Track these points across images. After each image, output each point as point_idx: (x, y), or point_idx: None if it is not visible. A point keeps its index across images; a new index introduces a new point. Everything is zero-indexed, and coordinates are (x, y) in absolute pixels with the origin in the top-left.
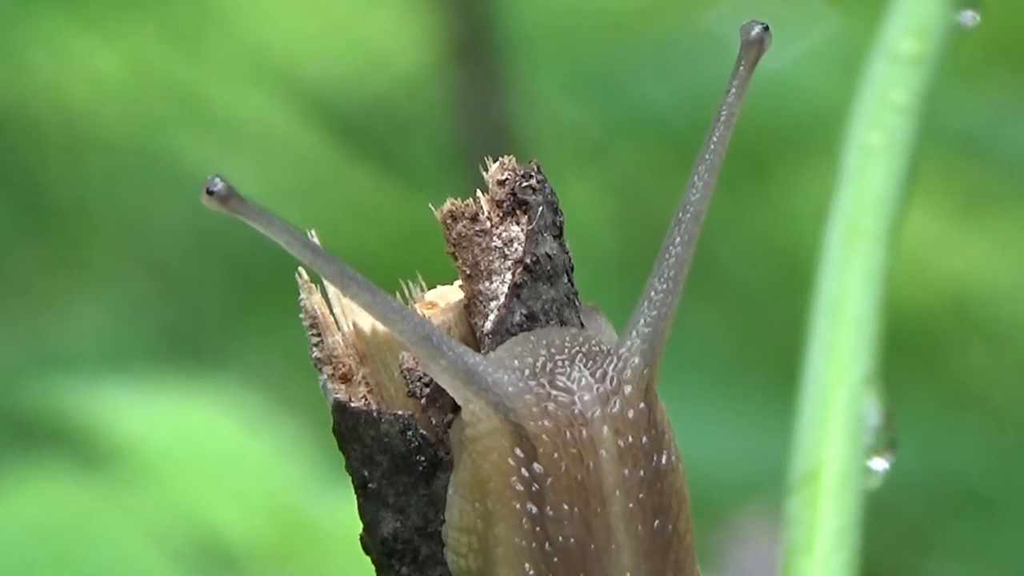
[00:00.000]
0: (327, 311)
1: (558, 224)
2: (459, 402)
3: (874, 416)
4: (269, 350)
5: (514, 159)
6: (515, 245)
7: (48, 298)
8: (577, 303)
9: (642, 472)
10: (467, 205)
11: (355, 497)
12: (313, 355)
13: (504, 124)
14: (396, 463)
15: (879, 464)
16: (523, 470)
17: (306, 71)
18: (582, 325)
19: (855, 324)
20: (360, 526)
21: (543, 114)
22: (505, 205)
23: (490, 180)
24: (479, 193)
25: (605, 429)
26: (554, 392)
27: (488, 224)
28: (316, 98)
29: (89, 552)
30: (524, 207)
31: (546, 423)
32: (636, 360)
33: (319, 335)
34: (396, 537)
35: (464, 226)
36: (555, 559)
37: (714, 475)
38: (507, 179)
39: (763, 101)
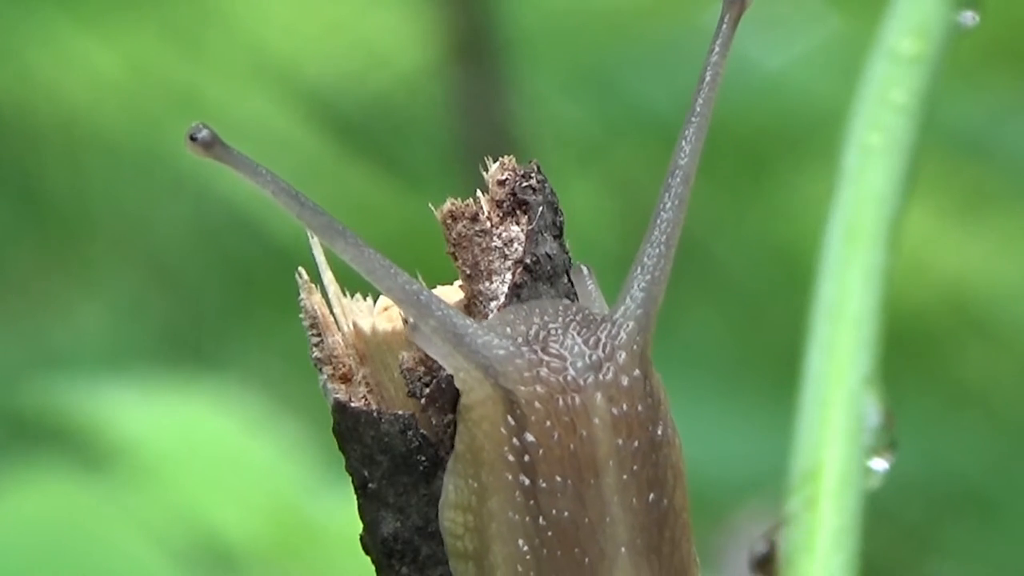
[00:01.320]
0: (327, 311)
1: (558, 224)
2: (450, 370)
3: (874, 416)
4: (269, 350)
5: (514, 159)
6: (515, 245)
7: (48, 297)
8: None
9: (636, 443)
10: (467, 205)
11: (355, 497)
12: (313, 355)
13: (504, 124)
14: (396, 463)
15: (879, 464)
16: (514, 439)
17: (306, 71)
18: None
19: (855, 324)
20: (360, 526)
21: (543, 114)
22: (505, 205)
23: (490, 180)
24: (479, 193)
25: (599, 396)
26: (546, 358)
27: (488, 224)
28: (316, 98)
29: (89, 552)
30: (524, 207)
31: (538, 388)
32: (630, 325)
33: (319, 335)
34: (396, 537)
35: (464, 226)
36: (549, 533)
37: (714, 475)
38: (507, 179)
39: (763, 101)
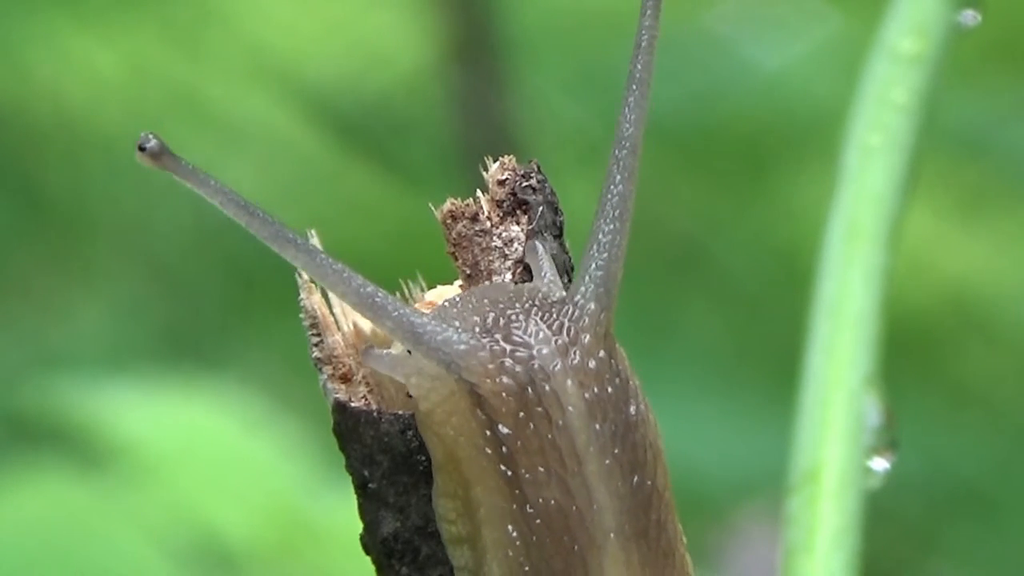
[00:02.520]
0: (327, 311)
1: (558, 224)
2: (401, 379)
3: (874, 416)
4: (269, 350)
5: (514, 159)
6: (515, 245)
7: (48, 298)
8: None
9: (613, 426)
10: (467, 205)
11: (355, 497)
12: (313, 355)
13: (504, 124)
14: (396, 463)
15: (879, 464)
16: (487, 432)
17: (306, 71)
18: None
19: (855, 324)
20: (360, 526)
21: (543, 114)
22: (505, 205)
23: (490, 180)
24: (479, 193)
25: (569, 383)
26: (510, 347)
27: (488, 224)
28: (316, 98)
29: (89, 552)
30: (524, 207)
31: (504, 380)
32: (592, 306)
33: (319, 335)
34: (396, 537)
35: (464, 226)
36: (537, 521)
37: (714, 475)
38: (507, 179)
39: (763, 101)
